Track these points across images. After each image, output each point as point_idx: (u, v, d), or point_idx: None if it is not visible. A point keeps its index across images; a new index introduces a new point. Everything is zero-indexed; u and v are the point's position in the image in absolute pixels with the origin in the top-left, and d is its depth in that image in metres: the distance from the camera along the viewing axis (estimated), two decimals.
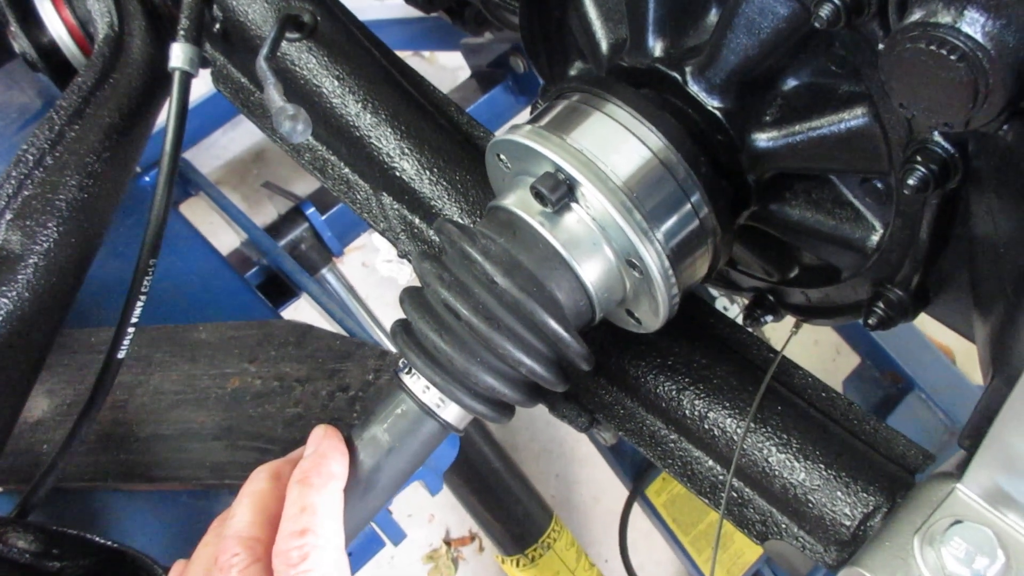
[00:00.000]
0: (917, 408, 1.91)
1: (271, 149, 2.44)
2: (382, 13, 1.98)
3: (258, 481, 0.69)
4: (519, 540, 1.84)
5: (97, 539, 0.83)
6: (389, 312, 2.14)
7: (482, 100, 1.88)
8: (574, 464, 2.38)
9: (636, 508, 1.86)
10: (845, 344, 2.12)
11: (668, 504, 1.86)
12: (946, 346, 2.19)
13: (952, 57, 0.46)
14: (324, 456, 0.68)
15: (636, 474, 1.86)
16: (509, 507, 1.82)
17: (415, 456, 0.72)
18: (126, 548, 0.83)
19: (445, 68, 2.68)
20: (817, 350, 2.45)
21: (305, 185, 2.05)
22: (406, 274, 2.50)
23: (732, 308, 1.77)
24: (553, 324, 0.66)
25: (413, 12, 1.51)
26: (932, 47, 0.47)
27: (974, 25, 0.45)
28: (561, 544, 1.87)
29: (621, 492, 1.89)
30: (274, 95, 0.70)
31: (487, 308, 0.66)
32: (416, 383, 0.70)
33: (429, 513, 2.29)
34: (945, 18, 0.46)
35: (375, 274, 2.52)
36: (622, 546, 1.86)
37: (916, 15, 0.48)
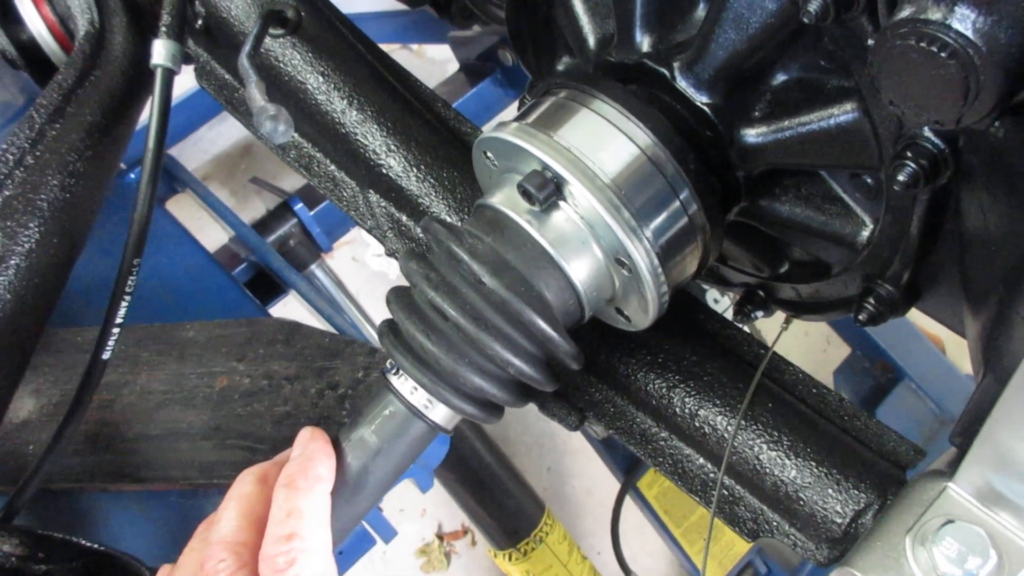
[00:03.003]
0: (907, 398, 1.91)
1: (259, 144, 2.42)
2: (369, 6, 1.96)
3: (244, 484, 0.69)
4: (511, 534, 1.84)
5: (84, 542, 0.83)
6: (380, 307, 2.13)
7: (471, 93, 1.86)
8: (566, 457, 2.37)
9: (628, 501, 1.86)
10: (835, 335, 2.13)
11: (660, 496, 1.86)
12: (936, 336, 2.20)
13: (942, 54, 0.46)
14: (310, 459, 0.67)
15: (628, 467, 1.86)
16: (501, 501, 1.82)
17: (403, 457, 0.71)
18: (113, 551, 0.82)
19: (434, 61, 2.66)
20: (807, 341, 2.46)
21: (293, 180, 2.03)
22: (396, 269, 2.49)
23: (723, 300, 1.76)
24: (541, 323, 0.65)
25: (400, 5, 1.50)
26: (922, 44, 0.46)
27: (965, 22, 0.45)
28: (553, 537, 1.87)
29: (613, 485, 1.89)
30: (256, 94, 0.69)
31: (474, 308, 0.65)
32: (403, 384, 0.69)
33: (421, 508, 2.29)
34: (935, 14, 0.45)
35: (365, 269, 2.51)
36: (614, 539, 1.86)
37: (906, 11, 0.47)
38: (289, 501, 0.65)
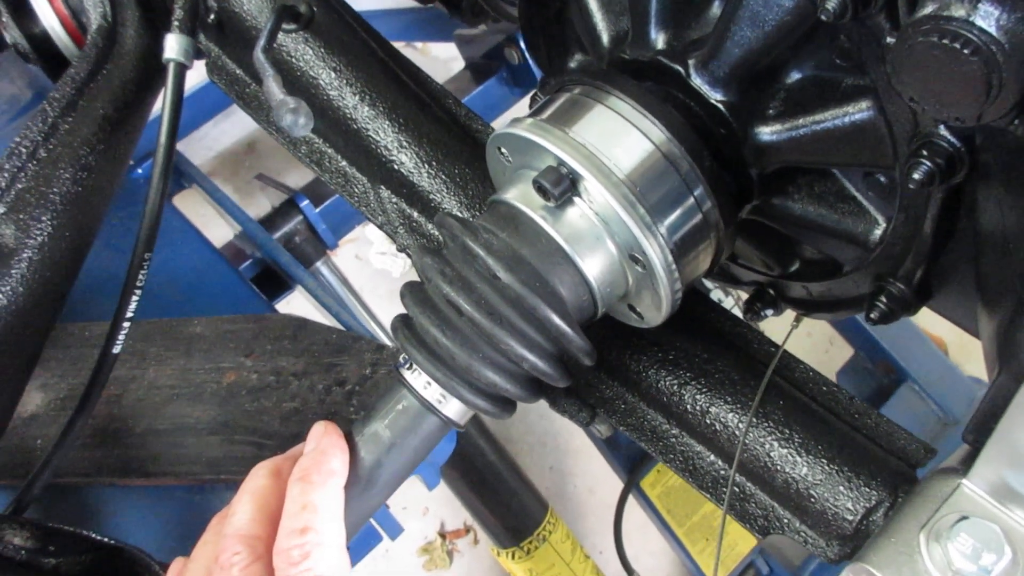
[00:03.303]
0: (910, 399, 1.92)
1: (263, 140, 2.43)
2: (375, 3, 1.96)
3: (258, 478, 0.69)
4: (514, 533, 1.84)
5: (93, 535, 0.83)
6: (383, 304, 2.13)
7: (476, 92, 1.86)
8: (569, 456, 2.38)
9: (631, 500, 1.87)
10: (839, 335, 2.13)
11: (663, 496, 1.86)
12: (939, 337, 2.20)
13: (965, 51, 0.46)
14: (324, 453, 0.67)
15: (631, 466, 1.86)
16: (504, 500, 1.82)
17: (416, 452, 0.71)
18: (123, 544, 0.82)
19: (438, 59, 2.67)
20: (811, 341, 2.46)
21: (298, 177, 2.04)
22: (399, 267, 2.49)
23: (727, 300, 1.76)
24: (556, 319, 0.66)
25: (408, 2, 1.50)
26: (945, 41, 0.46)
27: (988, 19, 0.45)
28: (556, 536, 1.87)
29: (616, 484, 1.89)
30: (274, 88, 0.70)
31: (489, 303, 0.65)
32: (417, 379, 0.69)
33: (424, 506, 2.29)
34: (959, 11, 0.46)
35: (368, 267, 2.51)
36: (617, 538, 1.86)
37: (928, 8, 0.47)
38: (303, 495, 0.65)
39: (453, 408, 0.70)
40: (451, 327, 0.67)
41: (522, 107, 1.84)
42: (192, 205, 1.61)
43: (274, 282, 1.48)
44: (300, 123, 0.67)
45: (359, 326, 1.45)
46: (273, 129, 0.96)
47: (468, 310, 0.65)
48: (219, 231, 1.58)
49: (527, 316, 0.65)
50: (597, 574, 1.95)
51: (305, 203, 1.69)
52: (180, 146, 1.84)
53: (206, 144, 2.39)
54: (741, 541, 1.85)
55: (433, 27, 2.06)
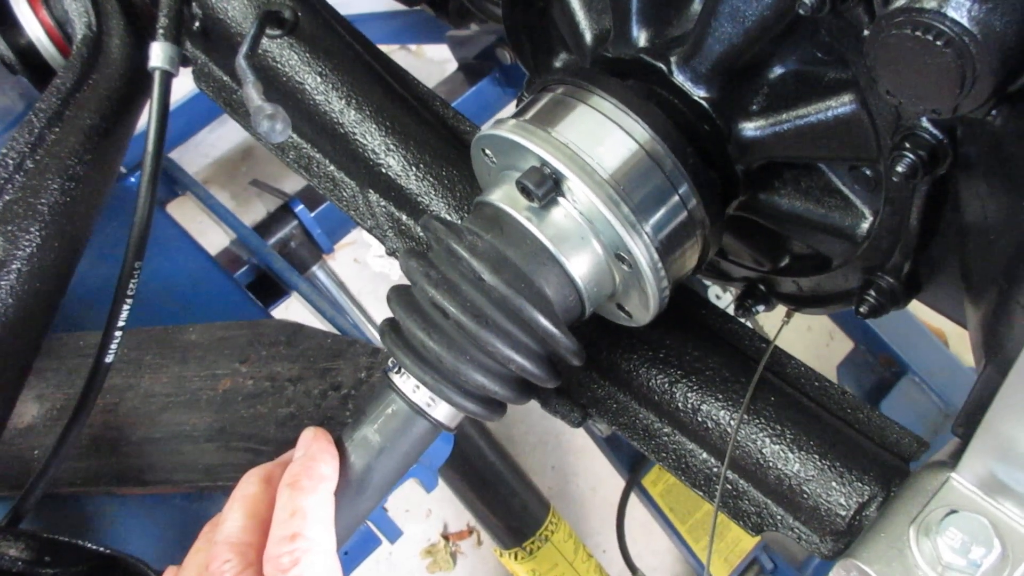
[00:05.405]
0: (911, 392, 1.91)
1: (259, 147, 2.42)
2: (367, 6, 1.97)
3: (249, 485, 0.69)
4: (517, 533, 1.84)
5: (90, 545, 0.83)
6: (382, 308, 2.13)
7: (469, 92, 1.87)
8: (570, 455, 2.37)
9: (633, 498, 1.86)
10: (839, 329, 2.12)
11: (665, 493, 1.86)
12: (939, 329, 2.19)
13: (938, 43, 0.46)
14: (314, 459, 0.68)
15: (632, 464, 1.86)
16: (506, 500, 1.82)
17: (406, 456, 0.71)
18: (119, 554, 0.82)
19: (432, 61, 2.67)
20: (811, 335, 2.45)
21: (293, 182, 2.04)
22: (398, 269, 2.49)
23: (725, 297, 1.76)
24: (542, 320, 0.65)
25: (398, 5, 1.50)
26: (918, 33, 0.46)
27: (960, 10, 0.45)
28: (559, 536, 1.86)
29: (618, 482, 1.89)
30: (253, 94, 0.70)
31: (475, 305, 0.65)
32: (406, 382, 0.69)
33: (426, 508, 2.29)
34: (930, 3, 0.45)
35: (367, 270, 2.51)
36: (620, 536, 1.86)
37: (901, 0, 0.47)
38: (293, 501, 0.65)
39: (442, 411, 0.70)
40: (438, 330, 0.67)
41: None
42: (188, 212, 1.61)
43: (270, 288, 1.48)
44: (277, 129, 0.68)
45: (355, 330, 1.45)
46: (258, 134, 0.96)
47: (454, 313, 0.65)
48: (216, 238, 1.58)
49: (513, 317, 0.65)
50: (600, 573, 1.94)
51: (300, 208, 1.69)
52: (175, 153, 1.84)
53: (202, 151, 2.40)
54: (745, 537, 1.85)
55: (426, 29, 2.06)
